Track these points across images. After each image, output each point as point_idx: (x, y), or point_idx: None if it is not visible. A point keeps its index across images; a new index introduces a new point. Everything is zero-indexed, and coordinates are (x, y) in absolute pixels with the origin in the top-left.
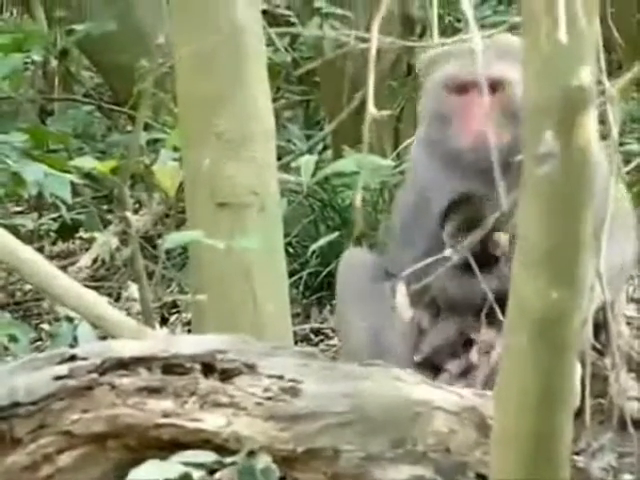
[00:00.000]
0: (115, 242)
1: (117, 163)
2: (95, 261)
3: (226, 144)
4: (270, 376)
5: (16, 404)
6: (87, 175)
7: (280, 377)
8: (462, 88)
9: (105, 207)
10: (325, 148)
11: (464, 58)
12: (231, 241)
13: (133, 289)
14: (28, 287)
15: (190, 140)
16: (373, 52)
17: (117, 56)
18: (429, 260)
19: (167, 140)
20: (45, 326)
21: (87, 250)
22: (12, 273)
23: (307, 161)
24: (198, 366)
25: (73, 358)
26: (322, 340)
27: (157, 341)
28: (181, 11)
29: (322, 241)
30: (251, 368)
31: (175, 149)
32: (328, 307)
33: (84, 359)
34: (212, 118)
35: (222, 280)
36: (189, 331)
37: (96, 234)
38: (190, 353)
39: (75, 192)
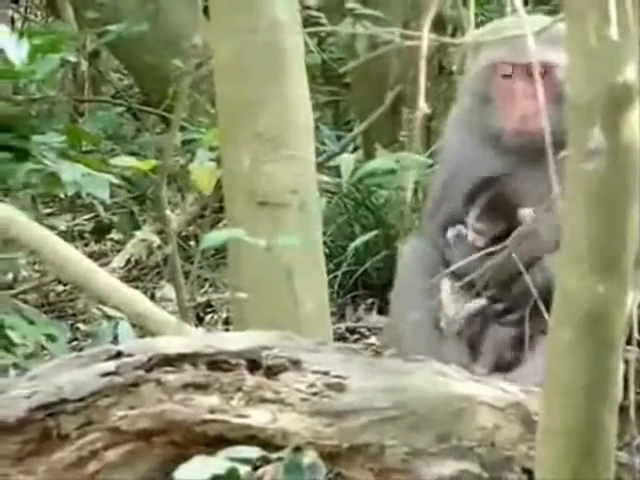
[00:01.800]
0: (156, 240)
1: (156, 163)
2: (128, 262)
3: (265, 143)
4: (315, 372)
5: (63, 401)
6: (120, 176)
7: (325, 373)
8: (508, 72)
9: (137, 208)
10: (356, 148)
11: (511, 41)
12: (271, 240)
13: (167, 289)
14: (61, 288)
15: (229, 140)
16: (424, 51)
17: (148, 57)
18: (476, 255)
19: (203, 140)
20: (80, 326)
21: (119, 251)
22: (45, 274)
23: (347, 160)
24: (243, 362)
25: (119, 355)
26: (358, 339)
27: (202, 337)
28: (219, 11)
29: (359, 240)
30: (296, 364)
31: (211, 149)
32: (363, 306)
33: (130, 356)
34: (251, 117)
35: (262, 279)
36: (226, 330)
37: (137, 233)
38: (235, 349)
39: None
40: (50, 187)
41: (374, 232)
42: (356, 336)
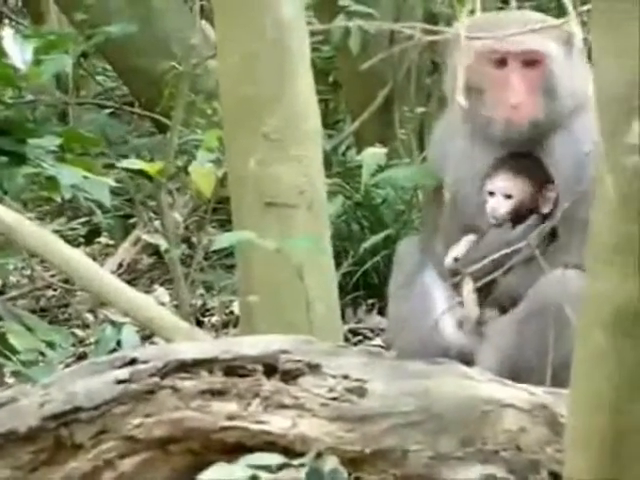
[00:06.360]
0: (163, 243)
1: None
2: (120, 265)
3: (273, 144)
4: (335, 376)
5: (77, 409)
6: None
7: (345, 377)
8: (501, 60)
9: (128, 212)
10: (348, 148)
11: (502, 30)
12: (279, 241)
13: (160, 292)
14: (51, 293)
15: (236, 141)
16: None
17: (137, 59)
18: (497, 255)
19: (204, 141)
20: (75, 331)
21: (107, 255)
22: (35, 279)
23: (370, 157)
24: (260, 367)
25: (134, 361)
26: (360, 341)
27: (218, 343)
28: (224, 11)
29: (369, 242)
30: (315, 368)
31: (210, 150)
32: (363, 307)
33: (145, 362)
34: (259, 118)
35: (272, 280)
36: (226, 334)
37: (144, 235)
38: (252, 354)
39: None
40: (48, 191)
41: (384, 233)
42: (358, 337)
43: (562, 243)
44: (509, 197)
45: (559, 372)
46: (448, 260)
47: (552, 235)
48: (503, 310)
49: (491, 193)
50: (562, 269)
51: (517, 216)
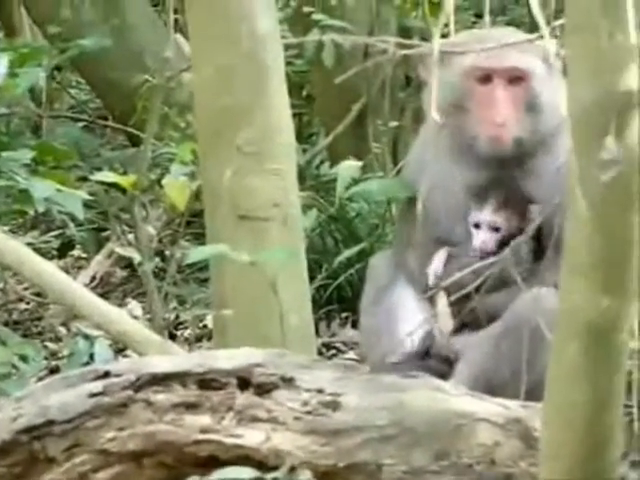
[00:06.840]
0: (137, 256)
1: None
2: (93, 279)
3: (248, 157)
4: (309, 390)
5: (50, 422)
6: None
7: (320, 391)
8: (486, 77)
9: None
10: (322, 162)
11: (487, 47)
12: (253, 254)
13: (133, 306)
14: (24, 306)
15: (210, 153)
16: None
17: (111, 72)
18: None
19: (178, 154)
20: (48, 344)
21: (80, 268)
22: (8, 293)
23: (345, 170)
24: (234, 381)
25: (107, 375)
26: (334, 354)
27: (192, 356)
28: (198, 24)
29: (343, 255)
30: (289, 382)
31: (184, 163)
32: (337, 321)
33: (118, 376)
34: (233, 131)
35: (245, 293)
36: (199, 347)
37: (117, 248)
38: (226, 368)
39: None
40: (21, 204)
41: (358, 247)
42: (332, 351)
43: (547, 262)
44: (496, 230)
45: (533, 389)
46: (430, 279)
47: (540, 254)
48: (480, 327)
49: (477, 225)
50: (538, 288)
51: (504, 244)
